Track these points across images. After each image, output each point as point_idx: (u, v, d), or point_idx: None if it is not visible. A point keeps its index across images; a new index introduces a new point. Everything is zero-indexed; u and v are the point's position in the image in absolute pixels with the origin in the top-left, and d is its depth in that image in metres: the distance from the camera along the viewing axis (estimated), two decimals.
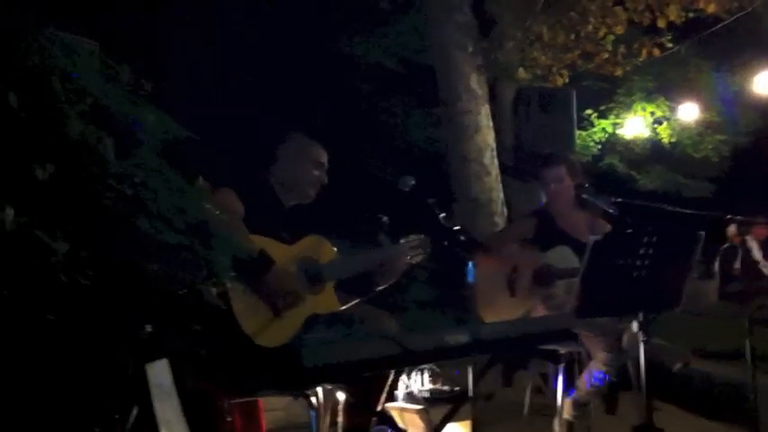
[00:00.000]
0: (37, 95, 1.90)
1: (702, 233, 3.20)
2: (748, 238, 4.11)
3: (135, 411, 2.02)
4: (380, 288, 3.65)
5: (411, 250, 3.62)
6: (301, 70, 8.71)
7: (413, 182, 3.40)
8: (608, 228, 4.41)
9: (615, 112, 10.56)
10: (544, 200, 4.79)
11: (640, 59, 9.35)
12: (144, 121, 2.03)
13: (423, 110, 9.81)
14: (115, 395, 1.97)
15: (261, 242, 3.26)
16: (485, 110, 8.20)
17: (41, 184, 1.77)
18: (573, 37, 8.88)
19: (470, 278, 2.95)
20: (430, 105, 9.30)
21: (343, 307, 3.53)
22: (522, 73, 8.87)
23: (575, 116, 6.84)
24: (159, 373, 2.40)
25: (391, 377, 3.48)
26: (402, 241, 3.64)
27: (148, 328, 2.01)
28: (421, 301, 8.82)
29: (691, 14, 8.84)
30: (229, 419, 3.02)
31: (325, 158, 3.68)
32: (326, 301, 3.45)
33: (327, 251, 3.54)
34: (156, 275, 1.94)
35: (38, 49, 1.99)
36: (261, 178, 3.64)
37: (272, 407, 4.71)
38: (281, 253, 3.33)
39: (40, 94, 1.91)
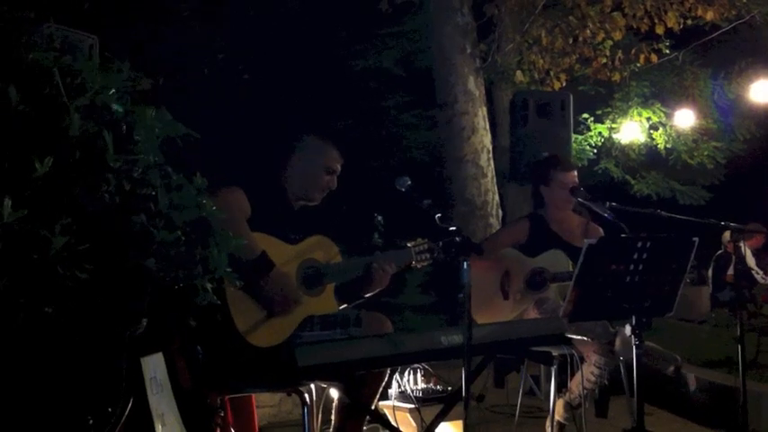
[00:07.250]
0: (37, 89, 1.91)
1: (696, 239, 3.22)
2: (742, 244, 4.12)
3: (129, 404, 2.03)
4: (374, 293, 3.62)
5: (418, 255, 3.58)
6: (308, 73, 8.73)
7: (409, 182, 3.38)
8: (602, 232, 4.42)
9: (611, 116, 10.57)
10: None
11: (638, 65, 9.39)
12: (143, 116, 2.03)
13: (420, 111, 9.81)
14: (110, 388, 1.98)
15: (264, 241, 3.24)
16: (482, 112, 8.23)
17: (40, 177, 1.78)
18: (571, 41, 8.91)
19: (465, 279, 2.96)
20: (427, 107, 9.31)
21: (341, 307, 3.52)
22: (519, 76, 8.90)
23: (571, 120, 6.85)
24: (154, 367, 2.41)
25: (386, 376, 3.49)
26: (409, 245, 3.59)
27: (144, 322, 2.02)
28: (415, 305, 8.83)
29: (689, 22, 8.88)
30: (222, 414, 3.03)
31: (339, 165, 3.58)
32: (325, 303, 3.41)
33: (331, 252, 3.50)
34: (152, 270, 1.95)
35: (38, 44, 2.00)
36: (272, 178, 3.58)
37: (265, 403, 4.74)
38: (283, 253, 3.30)
39: (40, 88, 1.91)
